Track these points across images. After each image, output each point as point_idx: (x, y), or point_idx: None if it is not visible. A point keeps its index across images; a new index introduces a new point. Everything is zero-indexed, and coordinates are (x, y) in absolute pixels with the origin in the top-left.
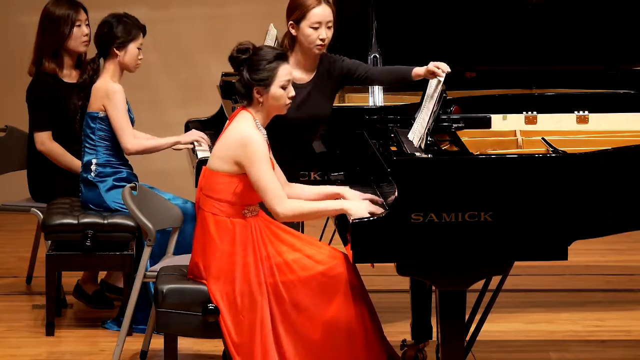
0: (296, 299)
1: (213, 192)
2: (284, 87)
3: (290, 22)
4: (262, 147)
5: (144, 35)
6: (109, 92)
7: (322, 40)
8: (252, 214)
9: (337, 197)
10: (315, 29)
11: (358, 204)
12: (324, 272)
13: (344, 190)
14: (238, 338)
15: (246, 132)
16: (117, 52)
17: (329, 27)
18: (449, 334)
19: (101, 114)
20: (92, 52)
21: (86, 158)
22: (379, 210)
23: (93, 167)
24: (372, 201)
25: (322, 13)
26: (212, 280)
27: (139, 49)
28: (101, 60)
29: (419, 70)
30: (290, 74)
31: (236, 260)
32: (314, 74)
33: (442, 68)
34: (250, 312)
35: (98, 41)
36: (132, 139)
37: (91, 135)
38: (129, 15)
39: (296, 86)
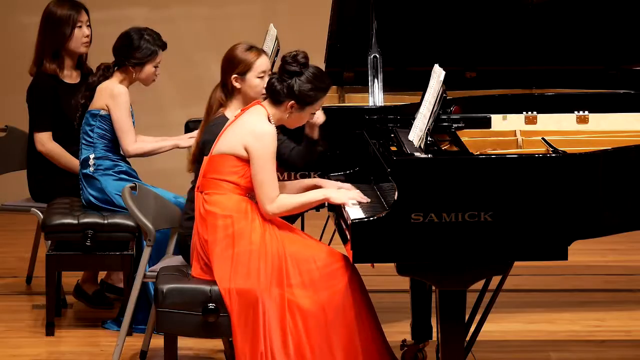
0: (296, 293)
1: (218, 174)
2: (313, 114)
3: (234, 75)
4: (273, 145)
5: (163, 50)
6: (114, 93)
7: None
8: (255, 200)
9: (315, 188)
10: (262, 78)
11: (338, 192)
12: (321, 268)
13: (320, 180)
14: (240, 335)
15: (263, 126)
16: (132, 69)
17: (268, 75)
18: (449, 334)
19: (102, 112)
20: (92, 52)
21: (84, 154)
22: (361, 197)
23: (91, 162)
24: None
25: (265, 62)
26: (214, 271)
27: (155, 67)
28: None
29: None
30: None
31: (234, 231)
32: None
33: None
34: (252, 311)
35: (115, 52)
36: (133, 142)
37: (90, 133)
38: (152, 31)
39: None
